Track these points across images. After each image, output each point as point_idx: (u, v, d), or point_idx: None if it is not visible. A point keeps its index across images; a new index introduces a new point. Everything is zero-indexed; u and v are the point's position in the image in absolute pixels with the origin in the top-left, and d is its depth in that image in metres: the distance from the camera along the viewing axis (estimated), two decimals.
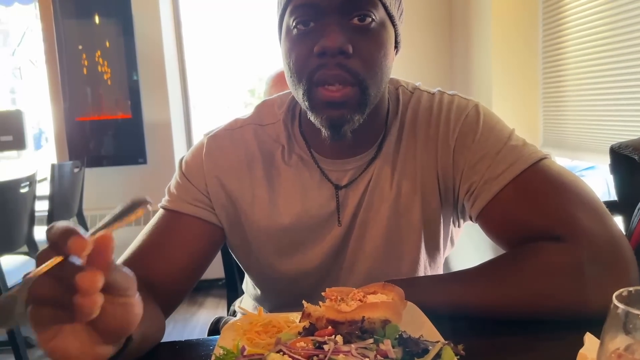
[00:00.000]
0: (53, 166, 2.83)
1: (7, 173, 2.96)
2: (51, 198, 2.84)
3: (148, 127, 3.46)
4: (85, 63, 3.39)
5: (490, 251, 2.05)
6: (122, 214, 0.49)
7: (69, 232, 0.44)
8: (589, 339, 0.57)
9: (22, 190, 2.47)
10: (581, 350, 0.55)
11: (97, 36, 3.38)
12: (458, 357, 0.53)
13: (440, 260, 0.93)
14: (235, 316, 1.16)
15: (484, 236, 0.83)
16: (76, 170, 3.07)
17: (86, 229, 3.33)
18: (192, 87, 3.77)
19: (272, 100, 0.94)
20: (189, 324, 3.14)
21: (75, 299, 0.43)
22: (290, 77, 0.79)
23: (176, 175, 0.90)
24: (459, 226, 0.94)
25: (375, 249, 0.86)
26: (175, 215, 0.85)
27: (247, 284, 1.04)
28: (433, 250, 0.90)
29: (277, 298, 0.95)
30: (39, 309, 0.45)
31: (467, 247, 1.84)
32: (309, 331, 0.59)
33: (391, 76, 0.85)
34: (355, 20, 0.74)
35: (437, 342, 0.54)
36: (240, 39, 4.42)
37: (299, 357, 0.51)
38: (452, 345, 0.54)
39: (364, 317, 0.57)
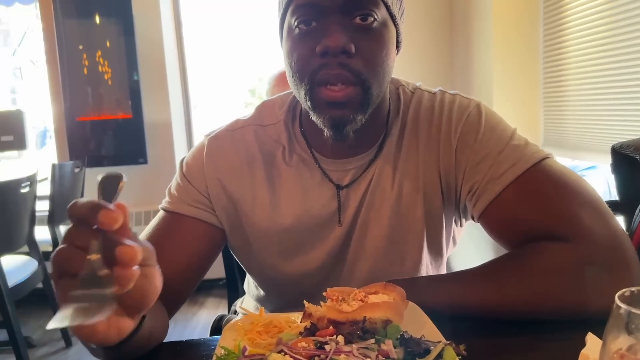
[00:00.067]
0: (54, 166, 2.83)
1: (8, 173, 2.96)
2: (52, 198, 2.84)
3: (148, 127, 3.47)
4: (86, 63, 3.39)
5: (491, 251, 2.04)
6: (109, 195, 0.51)
7: (98, 206, 0.45)
8: (591, 339, 0.56)
9: (23, 190, 2.47)
10: (583, 351, 0.54)
11: (98, 36, 3.38)
12: (460, 357, 0.53)
13: (443, 259, 0.93)
14: (237, 315, 1.16)
15: (486, 236, 0.83)
16: (77, 170, 3.07)
17: None
18: (192, 87, 3.77)
19: (272, 101, 0.94)
20: (190, 323, 3.14)
21: (115, 270, 0.45)
22: (292, 77, 0.78)
23: (177, 176, 0.90)
24: (461, 225, 0.93)
25: (377, 249, 0.86)
26: (175, 217, 0.85)
27: (249, 284, 1.04)
28: (435, 250, 0.89)
29: (278, 298, 0.95)
30: (69, 283, 0.46)
31: (469, 247, 1.84)
32: (310, 331, 0.58)
33: (392, 76, 0.84)
34: (357, 20, 0.74)
35: (439, 342, 0.54)
36: (241, 38, 4.42)
37: (300, 357, 0.51)
38: (453, 345, 0.54)
39: (365, 317, 0.57)
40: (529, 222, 0.76)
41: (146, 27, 3.38)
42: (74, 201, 0.48)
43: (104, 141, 3.48)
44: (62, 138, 3.49)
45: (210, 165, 0.88)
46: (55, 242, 2.86)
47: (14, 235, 2.48)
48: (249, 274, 0.99)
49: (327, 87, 0.74)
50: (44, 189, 2.88)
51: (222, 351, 0.57)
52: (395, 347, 0.53)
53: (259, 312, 0.69)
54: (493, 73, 2.75)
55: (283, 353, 0.52)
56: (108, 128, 3.46)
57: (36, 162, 4.46)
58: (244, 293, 1.18)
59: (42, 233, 2.76)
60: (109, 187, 0.51)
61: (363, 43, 0.74)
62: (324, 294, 0.64)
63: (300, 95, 0.79)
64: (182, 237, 0.85)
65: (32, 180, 2.54)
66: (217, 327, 1.10)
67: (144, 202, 3.28)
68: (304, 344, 0.53)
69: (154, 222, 0.87)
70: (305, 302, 0.62)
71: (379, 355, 0.51)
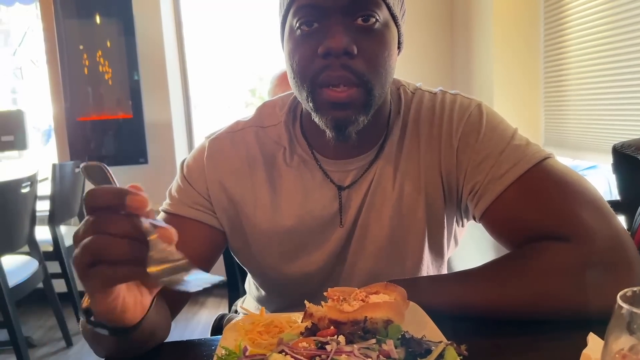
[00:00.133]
0: (54, 166, 2.83)
1: (8, 173, 2.96)
2: (52, 198, 2.84)
3: (149, 127, 3.47)
4: (86, 63, 3.39)
5: (492, 251, 2.04)
6: (107, 182, 0.52)
7: (124, 192, 0.47)
8: (592, 339, 0.56)
9: (23, 190, 2.48)
10: (584, 351, 0.54)
11: (98, 36, 3.38)
12: (461, 357, 0.53)
13: (444, 260, 0.93)
14: (238, 315, 1.16)
15: (487, 236, 0.83)
16: (77, 170, 3.07)
17: None
18: (193, 87, 3.76)
19: (273, 102, 0.94)
20: (191, 323, 3.14)
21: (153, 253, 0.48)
22: (294, 78, 0.78)
23: (177, 178, 0.90)
24: (462, 226, 0.93)
25: (378, 249, 0.86)
26: (176, 219, 0.85)
27: (250, 285, 1.04)
28: (437, 250, 0.89)
29: (279, 299, 0.95)
30: (106, 269, 0.49)
31: (470, 247, 1.83)
32: (311, 331, 0.58)
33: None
34: (359, 21, 0.74)
35: (440, 342, 0.54)
36: (241, 38, 4.42)
37: (301, 358, 0.51)
38: (454, 345, 0.54)
39: (366, 317, 0.57)
40: (530, 222, 0.75)
41: (147, 27, 3.38)
42: (90, 192, 0.49)
43: (105, 141, 3.48)
44: (62, 138, 3.49)
45: (211, 167, 0.88)
46: (55, 242, 2.86)
47: (15, 235, 2.48)
48: (250, 275, 0.99)
49: (330, 88, 0.74)
50: (44, 189, 2.88)
51: (223, 351, 0.57)
52: (396, 347, 0.53)
53: (259, 312, 0.69)
54: (494, 73, 2.75)
55: (284, 353, 0.52)
56: (108, 128, 3.46)
57: (37, 162, 4.46)
58: (244, 293, 1.18)
59: (42, 233, 2.76)
60: (99, 175, 0.53)
61: (365, 44, 0.74)
62: (324, 294, 0.64)
63: (302, 97, 0.79)
64: (183, 239, 0.84)
65: (32, 180, 2.54)
66: (218, 327, 1.10)
67: None
68: (305, 344, 0.53)
69: None
70: (306, 302, 0.62)
71: (380, 356, 0.51)
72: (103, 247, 0.48)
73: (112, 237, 0.48)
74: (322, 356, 0.51)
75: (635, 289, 0.40)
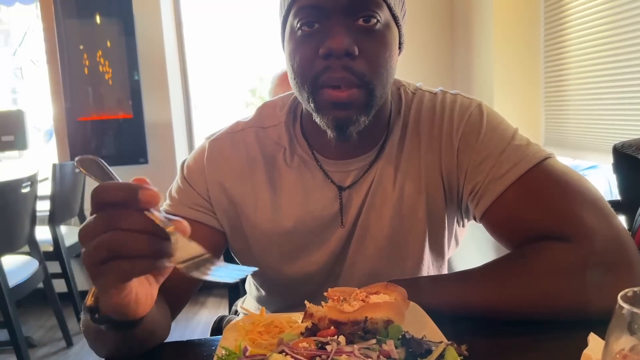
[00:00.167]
0: (54, 166, 2.83)
1: (9, 173, 2.96)
2: (52, 198, 2.84)
3: (149, 127, 3.47)
4: (87, 63, 3.39)
5: (493, 251, 2.04)
6: (107, 176, 0.53)
7: (136, 187, 0.48)
8: (593, 339, 0.56)
9: (24, 190, 2.48)
10: (585, 351, 0.54)
11: (98, 36, 3.38)
12: (461, 357, 0.53)
13: (444, 260, 0.93)
14: (238, 315, 1.16)
15: (487, 236, 0.83)
16: (77, 170, 3.06)
17: None
18: (193, 87, 3.77)
19: (273, 102, 0.94)
20: (191, 323, 3.14)
21: (168, 245, 0.49)
22: (294, 78, 0.78)
23: (177, 178, 0.90)
24: (463, 226, 0.93)
25: (379, 250, 0.86)
26: None
27: (250, 285, 1.04)
28: (437, 250, 0.89)
29: (280, 300, 0.95)
30: (123, 264, 0.49)
31: (470, 247, 1.83)
32: (312, 331, 0.58)
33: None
34: (360, 21, 0.73)
35: (440, 342, 0.54)
36: (241, 38, 4.42)
37: (302, 358, 0.51)
38: (455, 345, 0.54)
39: (366, 317, 0.57)
40: (531, 222, 0.75)
41: (147, 27, 3.38)
42: (99, 188, 0.49)
43: (105, 141, 3.48)
44: (62, 138, 3.49)
45: (211, 169, 0.88)
46: (55, 242, 2.86)
47: (15, 235, 2.48)
48: (250, 275, 0.98)
49: (331, 88, 0.74)
50: (44, 188, 2.88)
51: (223, 351, 0.57)
52: (396, 347, 0.53)
53: (260, 312, 0.69)
54: (494, 73, 2.75)
55: (284, 353, 0.51)
56: (109, 128, 3.46)
57: (37, 162, 4.46)
58: (244, 293, 1.18)
59: (42, 233, 2.76)
60: (96, 169, 0.53)
61: (366, 45, 0.73)
62: (325, 294, 0.64)
63: (303, 97, 0.78)
64: None
65: (32, 180, 2.54)
66: (217, 329, 1.10)
67: None
68: (305, 344, 0.53)
69: None
70: (306, 302, 0.62)
71: (381, 356, 0.51)
72: (122, 243, 0.48)
73: (130, 232, 0.48)
74: (323, 356, 0.51)
75: (636, 289, 0.40)
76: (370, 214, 0.85)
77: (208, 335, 0.99)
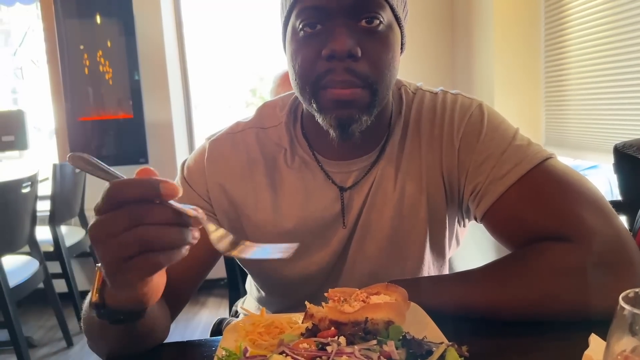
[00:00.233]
0: (55, 166, 2.83)
1: (9, 173, 2.96)
2: (53, 198, 2.84)
3: (149, 127, 3.47)
4: (87, 63, 3.39)
5: (493, 251, 2.04)
6: (106, 171, 0.54)
7: (156, 181, 0.49)
8: (594, 340, 0.56)
9: (24, 191, 2.48)
10: (586, 352, 0.54)
11: (99, 36, 3.38)
12: (462, 358, 0.53)
13: (445, 260, 0.92)
14: (238, 317, 1.16)
15: (488, 236, 0.83)
16: (78, 170, 3.07)
17: (87, 229, 3.28)
18: (193, 87, 3.77)
19: (273, 102, 0.94)
20: (191, 323, 3.14)
21: (193, 233, 0.51)
22: (296, 79, 0.78)
23: (177, 179, 0.90)
24: (464, 226, 0.93)
25: (379, 250, 0.86)
26: None
27: (250, 286, 1.04)
28: (438, 251, 0.89)
29: (280, 300, 0.95)
30: (153, 256, 0.50)
31: (471, 247, 1.83)
32: (312, 332, 0.58)
33: None
34: (363, 23, 0.73)
35: (441, 343, 0.54)
36: (242, 38, 4.42)
37: (302, 359, 0.50)
38: (456, 346, 0.54)
39: (367, 318, 0.57)
40: (532, 223, 0.75)
41: (147, 26, 3.38)
42: (116, 186, 0.49)
43: (105, 141, 3.48)
44: (63, 138, 3.49)
45: (212, 169, 0.87)
46: (56, 242, 2.86)
47: (15, 235, 2.48)
48: (251, 276, 0.98)
49: (333, 87, 0.74)
50: (45, 189, 2.88)
51: (223, 352, 0.57)
52: (397, 348, 0.53)
53: (260, 313, 0.69)
54: (494, 72, 2.75)
55: (284, 354, 0.51)
56: (109, 128, 3.47)
57: (37, 162, 4.46)
58: (245, 293, 1.18)
59: (43, 233, 2.76)
60: (90, 165, 0.53)
61: (369, 46, 0.73)
62: (325, 294, 0.64)
63: (305, 98, 0.78)
64: None
65: (33, 180, 2.54)
66: (218, 331, 1.10)
67: None
68: (305, 345, 0.53)
69: None
70: (306, 302, 0.62)
71: (381, 357, 0.51)
72: (155, 237, 0.49)
73: (160, 226, 0.49)
74: (323, 357, 0.50)
75: (637, 290, 0.40)
76: (371, 215, 0.85)
77: (208, 336, 0.99)
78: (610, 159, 1.42)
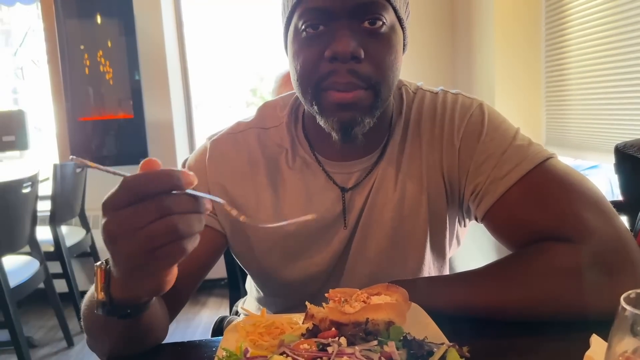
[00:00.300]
0: (55, 166, 2.83)
1: (10, 173, 2.96)
2: (53, 198, 2.84)
3: (150, 127, 3.47)
4: (87, 63, 3.39)
5: (494, 251, 2.04)
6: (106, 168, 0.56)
7: (176, 172, 0.51)
8: (595, 340, 0.56)
9: (25, 191, 2.48)
10: (587, 353, 0.54)
11: (99, 36, 3.38)
12: (463, 359, 0.52)
13: (446, 260, 0.92)
14: (239, 316, 1.16)
15: (488, 236, 0.82)
16: (78, 170, 3.07)
17: (88, 229, 3.27)
18: (194, 87, 3.76)
19: (274, 102, 0.93)
20: (192, 324, 3.14)
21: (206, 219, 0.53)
22: (297, 80, 0.77)
23: None
24: (464, 226, 0.93)
25: (380, 250, 0.85)
26: None
27: (251, 286, 1.04)
28: (438, 251, 0.89)
29: (281, 301, 0.94)
30: (182, 244, 0.51)
31: (471, 247, 1.83)
32: (313, 333, 0.58)
33: None
34: (366, 24, 0.73)
35: (442, 344, 0.54)
36: (242, 38, 4.42)
37: (302, 359, 0.50)
38: (457, 347, 0.54)
39: (367, 318, 0.57)
40: (532, 223, 0.75)
41: (147, 26, 3.38)
42: (134, 180, 0.51)
43: (106, 141, 3.48)
44: (63, 138, 3.49)
45: (213, 169, 0.87)
46: (56, 242, 2.86)
47: (16, 235, 2.48)
48: (251, 277, 0.98)
49: (336, 91, 0.73)
50: (45, 189, 2.89)
51: (224, 353, 0.57)
52: (398, 348, 0.52)
53: (260, 313, 0.69)
54: (495, 72, 2.74)
55: (285, 355, 0.51)
56: (109, 128, 3.47)
57: (38, 162, 4.46)
58: (245, 293, 1.18)
59: (43, 233, 2.76)
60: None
61: (372, 47, 0.73)
62: (326, 295, 0.64)
63: (306, 99, 0.78)
64: None
65: (33, 181, 2.54)
66: (219, 329, 1.10)
67: None
68: (306, 345, 0.53)
69: None
70: (307, 303, 0.62)
71: (382, 357, 0.51)
72: (187, 226, 0.51)
73: (188, 214, 0.51)
74: (324, 358, 0.50)
75: (638, 290, 0.40)
76: (372, 215, 0.85)
77: (209, 336, 0.99)
78: (611, 159, 1.42)
